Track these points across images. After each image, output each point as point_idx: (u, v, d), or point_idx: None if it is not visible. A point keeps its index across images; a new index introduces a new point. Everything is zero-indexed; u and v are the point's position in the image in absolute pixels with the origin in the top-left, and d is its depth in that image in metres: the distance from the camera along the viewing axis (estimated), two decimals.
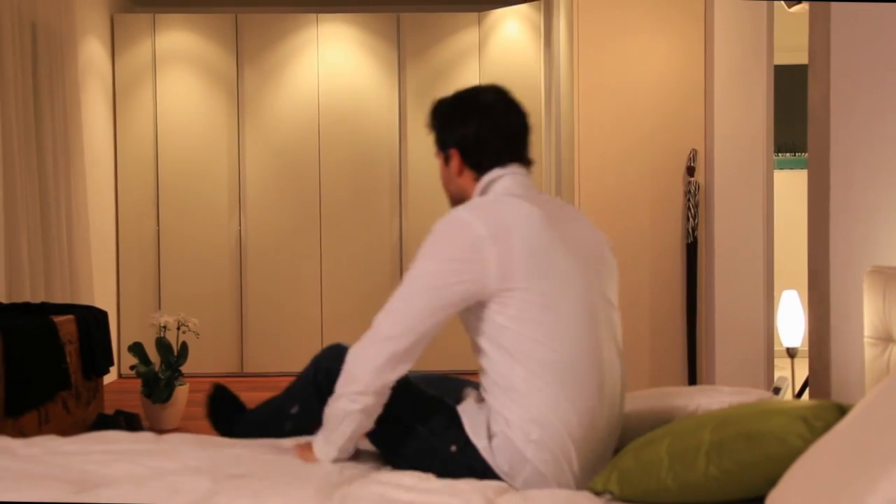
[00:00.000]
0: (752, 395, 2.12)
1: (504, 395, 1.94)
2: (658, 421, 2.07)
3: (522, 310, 1.96)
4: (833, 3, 3.00)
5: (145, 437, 2.24)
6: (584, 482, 1.94)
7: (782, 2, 3.66)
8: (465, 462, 1.93)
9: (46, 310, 4.20)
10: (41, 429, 3.75)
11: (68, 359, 3.99)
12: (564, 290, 2.00)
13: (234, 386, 5.96)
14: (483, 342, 2.02)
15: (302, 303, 6.43)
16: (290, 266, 6.42)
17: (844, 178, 3.09)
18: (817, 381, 3.22)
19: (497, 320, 1.98)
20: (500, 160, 2.23)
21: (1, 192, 4.53)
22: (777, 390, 3.58)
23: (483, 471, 1.92)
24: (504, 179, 2.20)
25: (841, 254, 3.10)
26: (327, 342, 6.34)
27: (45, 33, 5.06)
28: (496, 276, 1.97)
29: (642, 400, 2.11)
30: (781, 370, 4.08)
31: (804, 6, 3.54)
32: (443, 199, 2.54)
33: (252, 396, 5.65)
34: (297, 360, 6.38)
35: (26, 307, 4.21)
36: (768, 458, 1.61)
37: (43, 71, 5.03)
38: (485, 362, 2.01)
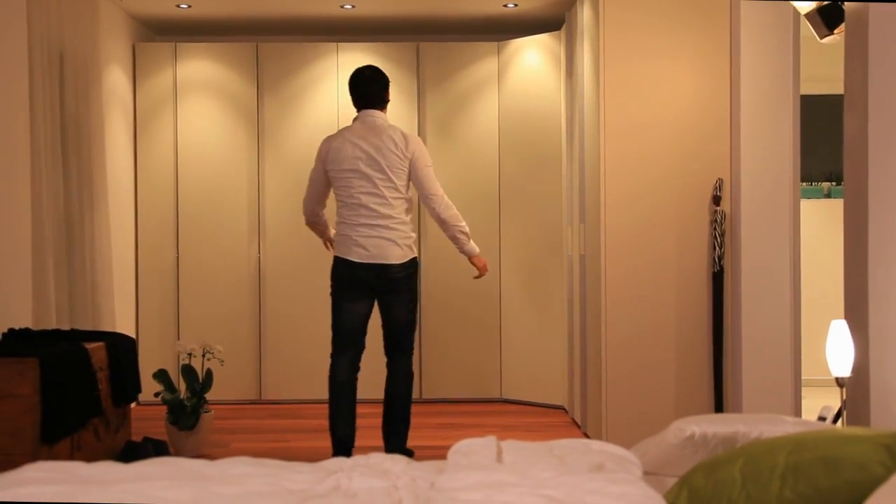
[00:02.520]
0: (815, 426, 2.12)
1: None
2: (722, 444, 2.07)
3: (334, 180, 4.50)
4: (871, 34, 3.03)
5: (200, 461, 2.23)
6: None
7: (814, 32, 3.70)
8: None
9: (76, 337, 4.21)
10: (74, 456, 3.74)
11: (99, 386, 4.00)
12: (348, 177, 4.42)
13: (253, 413, 5.97)
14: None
15: (321, 330, 6.41)
16: (308, 293, 6.42)
17: (883, 208, 3.11)
18: (856, 409, 3.23)
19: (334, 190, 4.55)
20: (358, 107, 4.59)
21: (30, 220, 4.55)
22: (822, 419, 3.58)
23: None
24: (355, 119, 4.58)
25: (880, 283, 3.11)
26: None
27: (71, 63, 5.10)
28: (325, 164, 4.50)
29: (706, 423, 2.11)
30: (829, 400, 4.09)
31: (836, 37, 3.57)
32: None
33: (271, 424, 5.66)
34: (316, 387, 6.38)
35: (56, 334, 4.22)
36: (847, 484, 1.61)
37: (69, 100, 5.07)
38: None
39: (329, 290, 4.64)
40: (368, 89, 4.53)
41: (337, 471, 2.16)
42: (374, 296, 4.51)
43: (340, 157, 4.41)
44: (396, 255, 4.42)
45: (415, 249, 4.54)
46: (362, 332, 4.57)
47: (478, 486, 1.87)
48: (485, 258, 6.35)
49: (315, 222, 4.77)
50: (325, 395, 6.36)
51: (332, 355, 4.63)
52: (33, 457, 3.43)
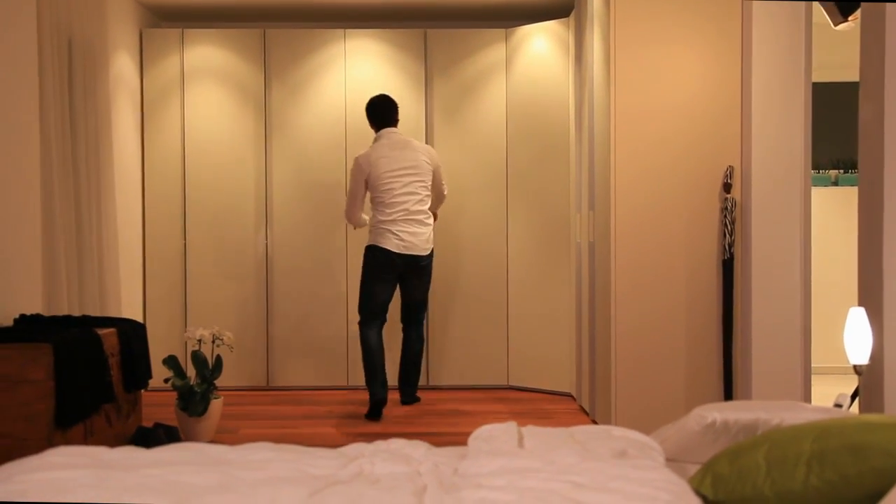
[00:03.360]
0: (837, 413, 2.12)
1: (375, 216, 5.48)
2: (743, 431, 2.08)
3: (374, 190, 5.43)
4: (888, 21, 3.03)
5: (221, 447, 2.24)
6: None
7: (828, 19, 3.69)
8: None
9: (87, 323, 4.21)
10: (87, 441, 3.75)
11: (111, 372, 4.00)
12: (396, 180, 5.38)
13: (261, 399, 5.99)
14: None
15: (328, 317, 6.44)
16: (316, 280, 6.43)
17: None
18: (869, 396, 3.23)
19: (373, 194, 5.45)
20: (377, 127, 5.59)
21: (40, 207, 4.55)
22: (839, 407, 3.59)
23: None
24: (379, 136, 5.55)
25: (895, 269, 3.11)
26: (352, 357, 6.36)
27: (80, 49, 5.09)
28: (366, 178, 5.43)
29: (727, 410, 2.12)
30: (839, 387, 4.10)
31: (850, 24, 3.56)
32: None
33: (278, 410, 5.67)
34: (323, 374, 6.41)
35: (67, 320, 4.22)
36: (873, 471, 1.62)
37: (77, 86, 5.05)
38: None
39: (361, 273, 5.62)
40: (386, 112, 5.55)
41: (358, 456, 2.17)
42: (399, 278, 5.51)
43: (380, 168, 5.39)
44: (424, 248, 5.45)
45: (432, 241, 5.57)
46: (387, 307, 5.55)
47: (502, 472, 1.88)
48: (490, 245, 6.38)
49: (359, 224, 5.72)
50: (333, 382, 6.43)
51: (362, 326, 5.52)
52: (48, 442, 3.44)
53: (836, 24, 3.63)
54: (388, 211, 5.37)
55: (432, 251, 5.55)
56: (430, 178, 5.51)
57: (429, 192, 5.50)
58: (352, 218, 5.62)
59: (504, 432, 2.18)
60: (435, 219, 5.77)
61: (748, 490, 1.78)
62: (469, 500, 1.71)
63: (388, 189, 5.37)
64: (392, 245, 5.37)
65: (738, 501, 1.80)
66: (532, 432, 2.21)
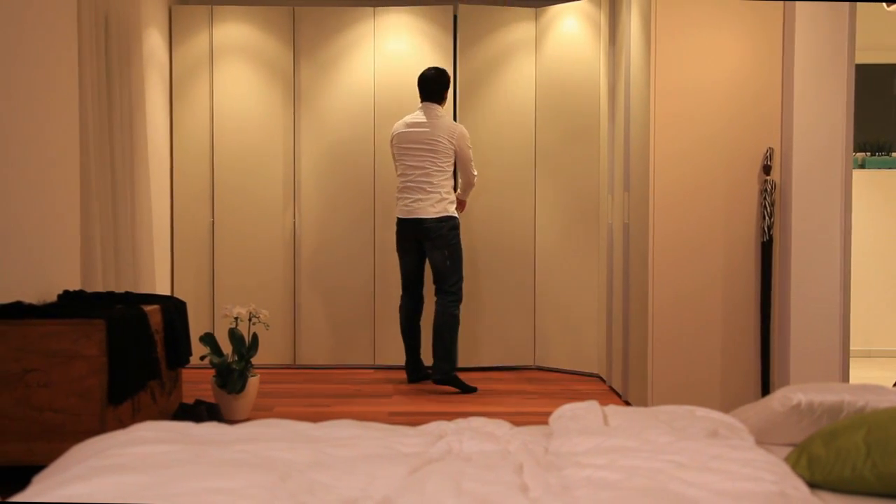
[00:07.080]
0: None
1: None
2: (827, 413, 2.09)
3: (395, 154, 5.81)
4: None
5: (304, 423, 2.25)
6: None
7: (882, 2, 3.68)
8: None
9: (131, 299, 4.21)
10: (134, 417, 3.77)
11: (157, 348, 4.01)
12: (408, 153, 5.67)
13: (288, 378, 6.00)
14: None
15: (355, 296, 6.45)
16: (343, 260, 6.43)
17: None
18: None
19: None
20: (421, 99, 5.79)
21: (78, 184, 4.54)
22: None
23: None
24: (417, 109, 5.80)
25: None
26: (380, 336, 6.39)
27: (115, 26, 5.07)
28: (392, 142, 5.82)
29: (812, 391, 2.12)
30: (874, 370, 4.11)
31: None
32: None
33: (308, 388, 5.69)
34: (351, 353, 6.42)
35: (111, 296, 4.23)
36: None
37: (113, 64, 5.04)
38: None
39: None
40: (425, 86, 5.77)
41: (442, 434, 2.18)
42: (420, 247, 5.76)
43: (400, 140, 5.73)
44: (429, 212, 5.63)
45: (450, 210, 5.66)
46: (416, 276, 5.86)
47: (598, 451, 1.89)
48: (517, 225, 6.37)
49: None
50: (360, 360, 6.46)
51: (401, 296, 5.96)
52: (100, 417, 3.46)
53: (888, 7, 3.62)
54: (400, 179, 5.75)
55: (447, 219, 5.63)
56: (449, 157, 5.68)
57: (441, 168, 5.65)
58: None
59: (588, 411, 2.19)
60: (462, 207, 5.94)
61: (847, 472, 1.79)
62: (574, 478, 1.72)
63: (402, 161, 5.73)
64: (399, 212, 5.74)
65: (835, 483, 1.81)
66: (615, 411, 2.22)
